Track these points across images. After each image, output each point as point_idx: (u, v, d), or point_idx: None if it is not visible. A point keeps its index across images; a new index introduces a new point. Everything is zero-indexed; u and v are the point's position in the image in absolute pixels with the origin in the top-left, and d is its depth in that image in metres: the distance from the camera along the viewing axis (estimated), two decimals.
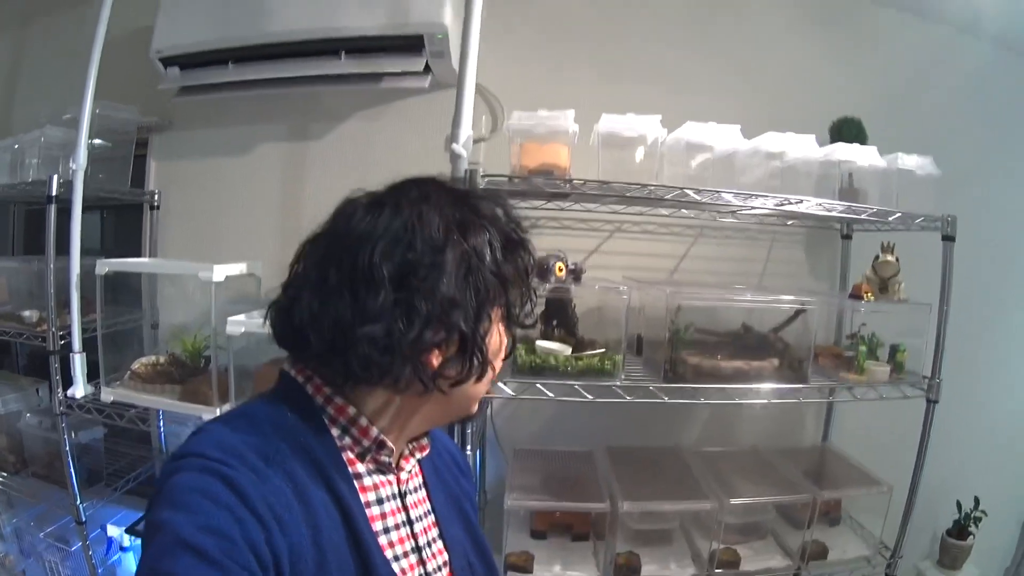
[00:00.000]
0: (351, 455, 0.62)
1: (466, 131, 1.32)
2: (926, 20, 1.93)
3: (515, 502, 1.43)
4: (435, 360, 0.61)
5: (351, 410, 0.62)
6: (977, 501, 1.94)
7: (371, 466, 0.63)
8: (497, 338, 0.66)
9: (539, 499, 1.47)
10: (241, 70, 1.64)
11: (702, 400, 1.39)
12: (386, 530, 0.63)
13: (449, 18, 1.53)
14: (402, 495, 0.66)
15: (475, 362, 0.62)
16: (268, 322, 0.66)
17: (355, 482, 0.61)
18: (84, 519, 1.75)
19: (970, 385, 1.86)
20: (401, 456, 0.67)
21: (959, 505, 1.94)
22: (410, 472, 0.69)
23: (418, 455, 0.70)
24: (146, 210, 1.91)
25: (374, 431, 0.62)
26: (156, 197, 1.91)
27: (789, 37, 1.90)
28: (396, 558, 0.62)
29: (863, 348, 1.57)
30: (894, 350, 1.61)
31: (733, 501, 1.49)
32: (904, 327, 1.63)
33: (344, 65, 1.57)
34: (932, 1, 1.89)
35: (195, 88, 1.73)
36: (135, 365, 1.69)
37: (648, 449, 1.73)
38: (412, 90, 1.66)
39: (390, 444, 0.63)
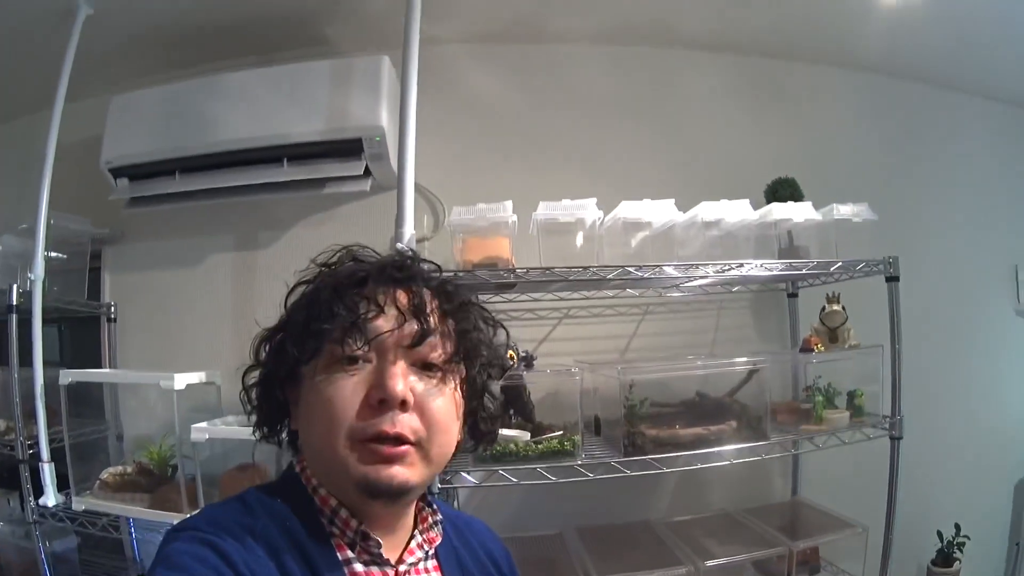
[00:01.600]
0: (341, 542, 0.63)
1: (409, 230, 1.35)
2: (844, 68, 2.02)
3: None
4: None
5: (333, 501, 0.63)
6: (958, 528, 1.96)
7: (364, 556, 0.63)
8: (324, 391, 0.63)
9: None
10: (188, 180, 1.67)
11: (665, 469, 1.39)
12: None
13: (385, 120, 1.57)
14: None
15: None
16: None
17: (344, 568, 0.61)
18: None
19: (934, 417, 1.90)
20: (406, 548, 0.67)
21: (940, 535, 1.95)
22: (413, 565, 0.67)
23: (427, 547, 0.69)
24: (103, 322, 1.92)
25: (354, 523, 0.63)
26: (112, 309, 1.92)
27: (715, 108, 1.96)
28: None
29: (819, 398, 1.60)
30: (851, 396, 1.64)
31: (708, 563, 1.49)
32: (861, 372, 1.66)
33: (287, 172, 1.61)
34: (847, 50, 1.97)
35: (145, 199, 1.75)
36: (104, 475, 1.69)
37: (618, 526, 1.73)
38: (354, 194, 1.69)
39: (375, 537, 0.63)
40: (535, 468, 1.35)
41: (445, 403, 0.64)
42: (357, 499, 0.62)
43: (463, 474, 1.34)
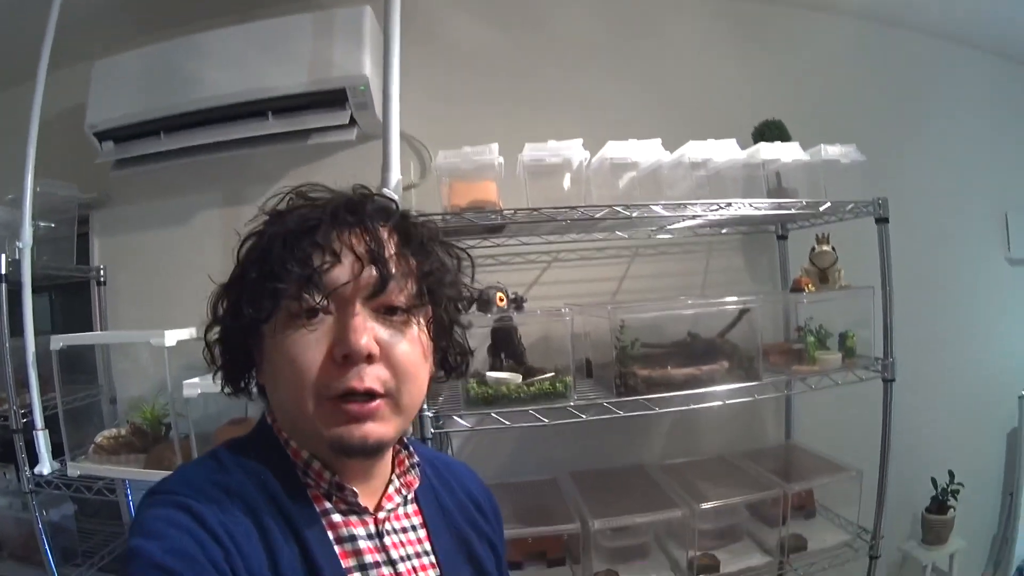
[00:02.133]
0: (317, 493, 0.63)
1: (395, 175, 1.35)
2: (831, 14, 2.01)
3: None
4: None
5: (304, 454, 0.63)
6: (952, 475, 1.97)
7: (342, 506, 0.63)
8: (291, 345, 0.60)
9: (509, 528, 1.47)
10: (173, 139, 1.66)
11: (657, 410, 1.38)
12: (362, 567, 0.62)
13: (369, 69, 1.57)
14: (379, 535, 0.64)
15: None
16: None
17: (322, 519, 0.61)
18: None
19: (926, 363, 1.90)
20: (383, 495, 0.67)
21: (934, 481, 1.96)
22: (392, 511, 0.67)
23: (404, 492, 0.69)
24: (93, 287, 1.91)
25: (327, 474, 0.63)
26: (102, 273, 1.92)
27: (701, 49, 1.95)
28: None
29: (811, 339, 1.60)
30: (843, 337, 1.65)
31: (704, 506, 1.50)
32: (852, 315, 1.66)
33: (272, 125, 1.60)
34: None
35: (131, 160, 1.75)
36: (98, 438, 1.69)
37: (612, 470, 1.74)
38: (340, 144, 1.69)
39: (350, 487, 0.63)
40: (528, 410, 1.34)
41: (411, 347, 0.62)
42: (331, 456, 0.62)
43: (456, 418, 1.34)
